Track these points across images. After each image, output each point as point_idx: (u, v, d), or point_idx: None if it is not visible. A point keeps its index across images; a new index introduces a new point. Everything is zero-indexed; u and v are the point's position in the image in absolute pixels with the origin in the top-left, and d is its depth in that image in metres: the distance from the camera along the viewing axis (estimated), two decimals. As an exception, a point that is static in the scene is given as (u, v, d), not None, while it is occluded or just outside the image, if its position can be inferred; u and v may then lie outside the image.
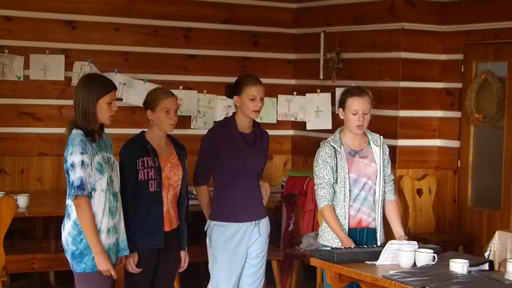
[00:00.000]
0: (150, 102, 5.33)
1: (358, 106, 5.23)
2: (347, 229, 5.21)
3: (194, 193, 5.69)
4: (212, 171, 5.54)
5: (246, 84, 5.49)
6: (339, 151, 5.24)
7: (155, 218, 5.24)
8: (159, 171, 5.24)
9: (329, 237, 5.26)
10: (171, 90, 5.55)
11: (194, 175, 5.55)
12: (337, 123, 8.04)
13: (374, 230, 5.29)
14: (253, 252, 5.57)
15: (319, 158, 5.28)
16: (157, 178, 5.23)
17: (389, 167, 5.40)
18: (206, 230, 5.57)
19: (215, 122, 5.72)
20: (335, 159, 5.24)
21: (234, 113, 5.58)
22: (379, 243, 5.21)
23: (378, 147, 5.33)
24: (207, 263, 5.64)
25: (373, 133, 5.40)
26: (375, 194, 5.28)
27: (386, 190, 5.36)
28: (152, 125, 5.34)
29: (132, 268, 5.18)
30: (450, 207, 8.01)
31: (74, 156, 4.68)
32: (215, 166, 5.51)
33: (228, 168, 5.48)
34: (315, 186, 5.30)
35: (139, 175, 5.21)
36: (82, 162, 4.68)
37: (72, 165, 4.68)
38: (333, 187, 5.23)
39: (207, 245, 5.57)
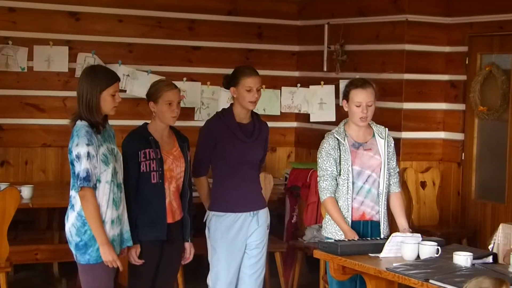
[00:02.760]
0: (153, 94, 5.33)
1: (361, 98, 5.21)
2: (350, 221, 5.21)
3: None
4: (211, 162, 5.55)
5: (243, 76, 5.50)
6: (342, 143, 5.23)
7: (158, 209, 5.25)
8: (161, 163, 5.24)
9: (333, 230, 5.26)
10: (174, 82, 5.55)
11: (193, 166, 5.56)
12: (341, 115, 8.02)
13: (377, 223, 5.29)
14: (252, 243, 5.57)
15: (323, 150, 5.27)
16: (159, 170, 5.23)
17: (395, 160, 5.39)
18: (205, 221, 5.58)
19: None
20: (338, 151, 5.23)
21: (231, 104, 5.61)
22: (382, 236, 5.20)
23: (383, 140, 5.32)
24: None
25: (378, 125, 5.39)
26: (379, 186, 5.28)
27: (391, 182, 5.35)
28: (154, 117, 5.34)
29: (134, 259, 5.19)
30: (454, 200, 8.00)
31: (79, 148, 4.68)
32: (213, 157, 5.52)
33: (227, 158, 5.49)
34: (318, 178, 5.29)
35: (141, 166, 5.21)
36: (88, 154, 4.68)
37: (78, 157, 4.68)
38: (336, 179, 5.22)
39: (206, 236, 5.58)
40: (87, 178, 4.68)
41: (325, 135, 5.34)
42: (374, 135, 5.34)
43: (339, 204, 5.22)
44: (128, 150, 5.23)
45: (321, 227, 7.07)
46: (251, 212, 5.55)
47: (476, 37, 7.80)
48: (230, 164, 5.50)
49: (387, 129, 5.39)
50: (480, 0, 7.70)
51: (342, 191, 5.22)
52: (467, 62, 7.86)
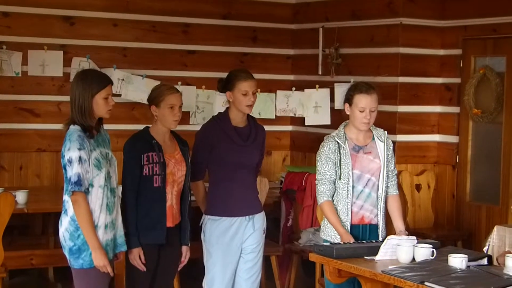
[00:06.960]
0: (155, 98, 5.32)
1: (365, 104, 5.16)
2: (349, 225, 5.19)
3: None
4: (207, 166, 5.54)
5: (238, 80, 5.48)
6: (343, 147, 5.20)
7: (158, 213, 5.24)
8: (164, 166, 5.24)
9: (331, 233, 5.24)
10: (169, 86, 5.54)
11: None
12: (336, 118, 8.04)
13: (376, 226, 5.27)
14: (248, 247, 5.56)
15: (322, 153, 5.24)
16: (161, 173, 5.23)
17: (393, 162, 5.38)
18: (201, 224, 5.58)
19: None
20: (338, 154, 5.20)
21: (227, 108, 5.59)
22: (380, 239, 5.19)
23: (382, 143, 5.31)
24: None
25: (378, 128, 5.36)
26: (378, 190, 5.27)
27: (389, 185, 5.34)
28: (156, 121, 5.33)
29: (138, 263, 5.18)
30: (449, 202, 8.01)
31: (71, 152, 4.67)
32: (210, 161, 5.51)
33: (223, 162, 5.47)
34: (316, 181, 5.28)
35: (144, 170, 5.21)
36: (80, 158, 4.67)
37: (70, 161, 4.67)
38: (334, 183, 5.21)
39: (201, 240, 5.58)
40: (79, 182, 4.67)
41: (325, 138, 5.30)
42: (373, 138, 5.32)
43: (338, 208, 5.20)
44: (130, 153, 5.23)
45: (316, 230, 7.09)
46: (247, 217, 5.54)
47: (470, 40, 7.82)
48: (227, 168, 5.48)
49: (386, 132, 5.38)
50: (474, 3, 7.72)
51: (342, 195, 5.20)
52: (461, 65, 7.88)
